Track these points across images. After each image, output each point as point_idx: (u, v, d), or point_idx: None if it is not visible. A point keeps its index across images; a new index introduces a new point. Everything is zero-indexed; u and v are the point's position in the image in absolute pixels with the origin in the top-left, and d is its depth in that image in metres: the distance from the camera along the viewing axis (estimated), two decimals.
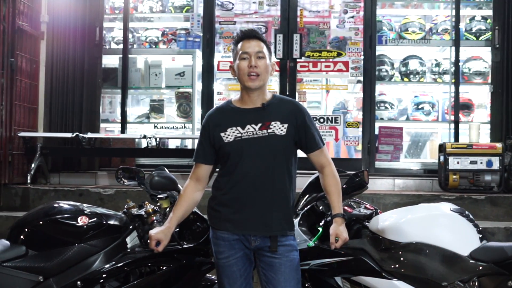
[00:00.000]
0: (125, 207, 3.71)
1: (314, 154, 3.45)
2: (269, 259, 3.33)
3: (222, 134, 3.36)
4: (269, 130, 3.33)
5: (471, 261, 3.27)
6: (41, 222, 3.48)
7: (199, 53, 8.40)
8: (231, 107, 3.45)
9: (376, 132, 8.02)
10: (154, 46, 8.71)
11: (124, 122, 8.21)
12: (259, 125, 3.34)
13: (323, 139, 3.49)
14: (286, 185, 3.37)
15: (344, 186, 3.66)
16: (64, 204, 3.63)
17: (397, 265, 3.36)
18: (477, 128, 7.51)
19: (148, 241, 3.43)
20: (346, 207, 3.74)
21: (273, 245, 3.31)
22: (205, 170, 3.49)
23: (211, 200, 3.45)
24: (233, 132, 3.34)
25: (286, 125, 3.35)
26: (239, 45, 3.40)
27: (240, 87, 3.43)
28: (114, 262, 3.43)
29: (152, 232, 3.43)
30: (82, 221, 3.46)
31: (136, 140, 8.06)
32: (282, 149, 3.35)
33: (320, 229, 3.55)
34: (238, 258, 3.36)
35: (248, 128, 3.34)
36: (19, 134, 7.21)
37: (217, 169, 3.54)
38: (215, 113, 3.48)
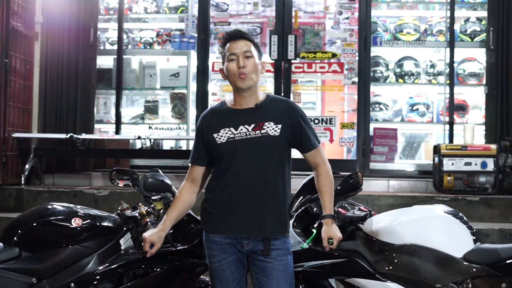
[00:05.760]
0: (119, 208, 3.70)
1: (309, 154, 3.44)
2: (261, 263, 3.31)
3: (215, 135, 3.34)
4: (263, 131, 3.31)
5: (465, 263, 3.27)
6: (34, 224, 3.47)
7: (193, 54, 8.40)
8: (224, 108, 3.43)
9: (371, 133, 8.03)
10: (148, 47, 8.71)
11: (118, 123, 8.21)
12: (252, 125, 3.32)
13: (318, 138, 3.48)
14: (279, 187, 3.35)
15: (338, 187, 3.66)
16: (58, 206, 3.62)
17: (390, 267, 3.35)
18: (472, 130, 7.52)
19: (142, 243, 3.42)
20: (340, 209, 3.74)
21: (266, 249, 3.28)
22: (200, 172, 3.48)
23: (204, 203, 3.43)
24: (226, 133, 3.32)
25: (280, 126, 3.33)
26: (226, 47, 3.37)
27: (232, 89, 3.41)
28: (107, 264, 3.42)
29: (146, 234, 3.41)
30: (75, 222, 3.45)
31: (131, 141, 8.06)
32: (276, 150, 3.33)
33: (314, 230, 3.54)
34: (231, 262, 3.33)
35: (241, 129, 3.32)
36: (13, 135, 7.20)
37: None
38: (208, 114, 3.46)
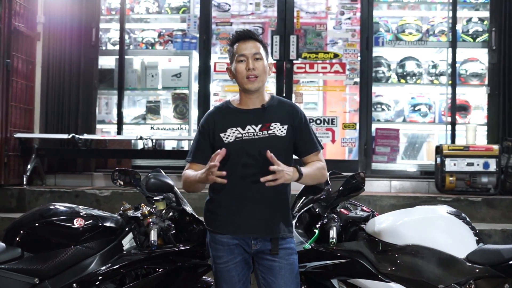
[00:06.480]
0: (121, 209, 3.69)
1: (309, 157, 3.41)
2: (269, 262, 3.30)
3: (222, 135, 3.33)
4: (270, 131, 3.31)
5: (468, 263, 3.28)
6: (36, 224, 3.48)
7: (195, 54, 8.39)
8: (230, 107, 3.41)
9: (373, 133, 8.03)
10: (150, 47, 8.70)
11: (120, 123, 8.21)
12: (259, 126, 3.32)
13: (320, 142, 3.47)
14: (285, 187, 3.35)
15: (340, 188, 3.65)
16: (60, 206, 3.63)
17: (393, 268, 3.36)
18: (474, 130, 7.51)
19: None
20: (342, 209, 3.73)
21: (274, 248, 3.28)
22: (199, 169, 3.37)
23: (209, 203, 3.41)
24: (233, 132, 3.31)
25: (286, 127, 3.34)
26: (235, 47, 3.35)
27: (239, 89, 3.40)
28: (110, 264, 3.42)
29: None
30: (78, 223, 3.46)
31: (132, 141, 8.05)
32: (282, 150, 3.32)
33: (317, 231, 3.54)
34: (237, 263, 3.31)
35: (249, 129, 3.32)
36: (15, 135, 7.20)
37: None
38: (214, 113, 3.44)
